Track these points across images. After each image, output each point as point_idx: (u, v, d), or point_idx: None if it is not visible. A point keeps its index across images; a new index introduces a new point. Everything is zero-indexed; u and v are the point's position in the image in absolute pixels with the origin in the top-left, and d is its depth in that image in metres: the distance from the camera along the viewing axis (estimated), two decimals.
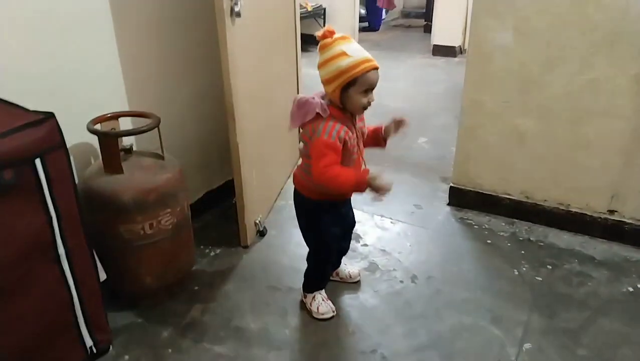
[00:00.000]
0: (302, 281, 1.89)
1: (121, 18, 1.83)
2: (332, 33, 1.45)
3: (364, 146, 1.65)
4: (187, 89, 2.23)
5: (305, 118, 1.49)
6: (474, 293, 1.94)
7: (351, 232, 1.94)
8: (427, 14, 7.04)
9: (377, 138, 1.69)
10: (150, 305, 1.87)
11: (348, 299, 1.92)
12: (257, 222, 2.24)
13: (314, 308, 1.83)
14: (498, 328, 1.77)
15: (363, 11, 7.19)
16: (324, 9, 6.24)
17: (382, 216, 2.48)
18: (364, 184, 1.45)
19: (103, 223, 1.69)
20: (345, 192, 1.64)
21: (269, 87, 2.35)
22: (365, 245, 2.26)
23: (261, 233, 2.28)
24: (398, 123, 1.65)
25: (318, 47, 1.47)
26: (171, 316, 1.84)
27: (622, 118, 2.06)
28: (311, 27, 6.35)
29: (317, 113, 1.47)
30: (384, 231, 2.37)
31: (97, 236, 1.65)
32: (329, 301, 1.86)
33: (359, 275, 2.02)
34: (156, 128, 1.74)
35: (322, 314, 1.82)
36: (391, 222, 2.44)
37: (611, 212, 2.23)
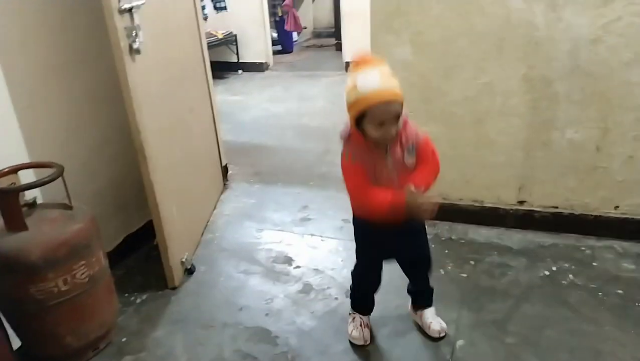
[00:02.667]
0: (235, 316, 1.86)
1: (8, 65, 1.73)
2: (359, 60, 1.39)
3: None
4: (94, 131, 2.14)
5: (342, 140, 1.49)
6: (406, 299, 1.97)
7: (411, 267, 1.77)
8: (336, 32, 7.25)
9: None
10: None
11: (285, 325, 1.90)
12: (184, 260, 2.18)
13: (348, 329, 1.81)
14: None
15: (275, 35, 7.29)
16: (235, 36, 6.26)
17: (312, 235, 2.50)
18: (402, 204, 1.39)
19: (11, 286, 1.58)
20: (383, 213, 1.45)
21: (181, 120, 2.31)
22: (298, 266, 2.26)
23: (189, 271, 2.21)
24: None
25: None
26: None
27: (517, 116, 2.22)
28: (225, 54, 6.36)
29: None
30: (315, 250, 2.39)
31: (5, 301, 1.53)
32: (367, 329, 1.79)
33: (441, 333, 1.77)
34: (61, 178, 1.65)
35: (353, 338, 1.78)
36: (321, 240, 2.46)
37: (521, 202, 2.39)
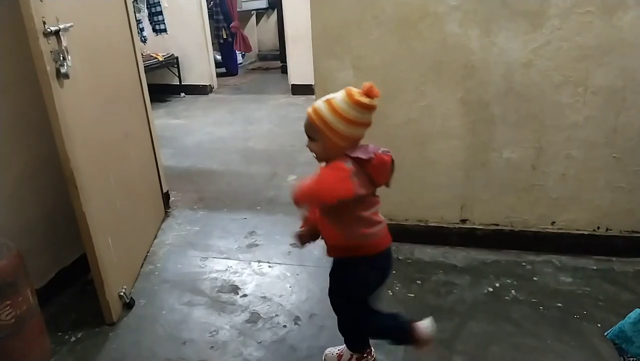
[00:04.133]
0: (178, 350, 1.78)
1: None
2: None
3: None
4: (20, 161, 2.01)
5: None
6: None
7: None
8: (281, 55, 7.28)
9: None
10: None
11: (231, 358, 1.83)
12: (122, 293, 2.06)
13: None
14: (381, 352, 1.79)
15: (218, 56, 7.22)
16: (177, 58, 6.15)
17: (259, 261, 2.44)
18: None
19: None
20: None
21: (116, 147, 2.21)
22: (245, 295, 2.19)
23: (128, 306, 2.09)
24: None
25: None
26: None
27: (456, 138, 2.29)
28: (166, 77, 6.22)
29: None
30: (263, 277, 2.33)
31: None
32: None
33: None
34: None
35: None
36: (269, 266, 2.41)
37: (463, 221, 2.45)
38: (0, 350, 1.56)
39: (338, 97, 1.39)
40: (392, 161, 1.46)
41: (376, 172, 1.43)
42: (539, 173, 2.27)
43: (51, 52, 1.62)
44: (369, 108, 1.38)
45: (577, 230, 2.33)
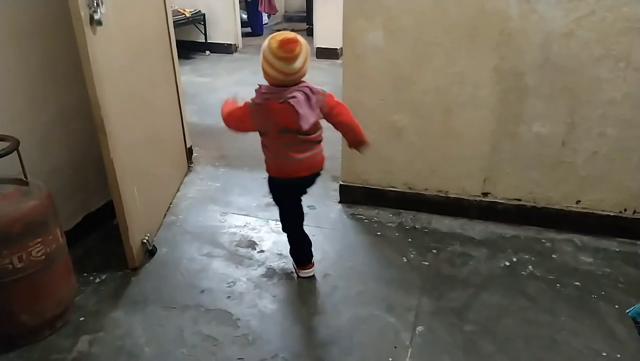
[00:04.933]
0: (197, 298, 1.85)
1: None
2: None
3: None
4: (52, 106, 2.04)
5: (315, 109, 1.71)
6: (368, 285, 2.00)
7: None
8: (308, 17, 7.15)
9: None
10: (30, 344, 1.70)
11: (247, 308, 1.88)
12: (145, 241, 2.12)
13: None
14: (392, 315, 1.84)
15: (244, 16, 7.12)
16: (204, 15, 6.08)
17: (276, 220, 2.45)
18: None
19: None
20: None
21: (143, 98, 2.23)
22: (262, 251, 2.23)
23: (150, 253, 2.15)
24: None
25: (293, 54, 1.63)
26: (55, 352, 1.69)
27: (486, 108, 2.24)
28: (192, 34, 6.18)
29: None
30: (280, 235, 2.35)
31: None
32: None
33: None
34: (15, 152, 1.58)
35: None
36: None
37: (485, 194, 2.42)
38: (31, 284, 1.63)
39: (271, 38, 1.64)
40: (288, 107, 1.63)
41: (272, 114, 1.68)
42: (568, 149, 2.21)
43: None
44: (279, 58, 1.61)
45: (603, 210, 2.28)
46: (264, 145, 1.83)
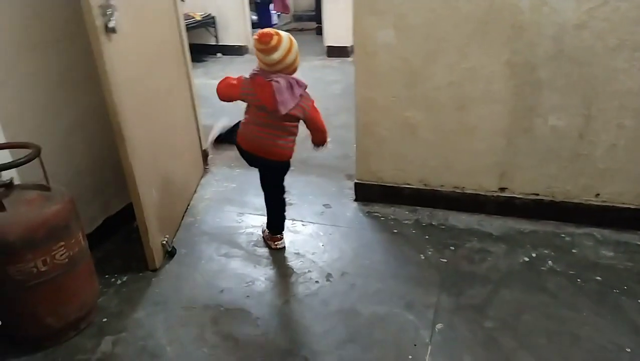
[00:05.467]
0: (216, 298, 1.88)
1: None
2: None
3: None
4: (71, 112, 2.09)
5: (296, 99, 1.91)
6: (386, 283, 2.00)
7: None
8: (317, 16, 7.15)
9: None
10: (55, 346, 1.75)
11: (266, 307, 1.90)
12: (164, 242, 2.15)
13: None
14: (411, 313, 1.84)
15: (255, 17, 7.17)
16: (214, 18, 6.14)
17: (293, 220, 2.49)
18: None
19: None
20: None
21: (160, 102, 2.26)
22: (279, 249, 2.25)
23: (170, 254, 2.19)
24: None
25: (269, 46, 1.84)
26: (80, 353, 1.73)
27: (499, 102, 2.22)
28: (203, 37, 6.24)
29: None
30: (296, 234, 2.38)
31: None
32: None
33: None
34: (38, 158, 1.62)
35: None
36: (302, 225, 2.45)
37: (502, 189, 2.41)
38: (55, 287, 1.67)
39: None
40: (270, 85, 1.84)
41: (257, 88, 1.91)
42: (585, 142, 2.19)
43: (100, 6, 1.66)
44: (259, 50, 1.86)
45: (623, 203, 2.25)
46: (244, 116, 2.06)
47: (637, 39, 1.96)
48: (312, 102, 1.98)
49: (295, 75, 1.93)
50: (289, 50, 1.86)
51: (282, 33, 1.85)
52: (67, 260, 1.66)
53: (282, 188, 2.21)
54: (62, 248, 1.64)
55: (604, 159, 2.20)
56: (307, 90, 1.95)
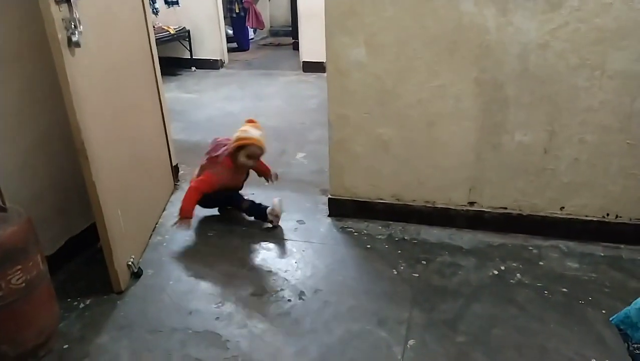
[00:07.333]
0: (184, 320, 1.84)
1: None
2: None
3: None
4: (32, 131, 2.01)
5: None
6: (359, 299, 1.99)
7: None
8: (293, 31, 7.20)
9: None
10: None
11: (236, 329, 1.86)
12: (130, 263, 2.08)
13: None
14: (384, 329, 1.83)
15: (230, 31, 7.15)
16: (188, 31, 6.10)
17: (266, 240, 2.45)
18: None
19: None
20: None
21: (126, 118, 2.21)
22: (251, 269, 2.21)
23: (136, 275, 2.12)
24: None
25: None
26: None
27: (468, 119, 2.26)
28: (177, 50, 6.19)
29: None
30: (269, 251, 2.35)
31: None
32: None
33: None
34: None
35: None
36: (276, 242, 2.42)
37: (471, 203, 2.44)
38: (11, 314, 1.58)
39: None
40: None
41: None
42: (550, 157, 2.24)
43: (62, 19, 1.61)
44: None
45: (587, 216, 2.31)
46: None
47: (596, 59, 2.03)
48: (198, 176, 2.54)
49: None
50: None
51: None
52: (24, 284, 1.58)
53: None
54: (19, 272, 1.56)
55: (567, 173, 2.25)
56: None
